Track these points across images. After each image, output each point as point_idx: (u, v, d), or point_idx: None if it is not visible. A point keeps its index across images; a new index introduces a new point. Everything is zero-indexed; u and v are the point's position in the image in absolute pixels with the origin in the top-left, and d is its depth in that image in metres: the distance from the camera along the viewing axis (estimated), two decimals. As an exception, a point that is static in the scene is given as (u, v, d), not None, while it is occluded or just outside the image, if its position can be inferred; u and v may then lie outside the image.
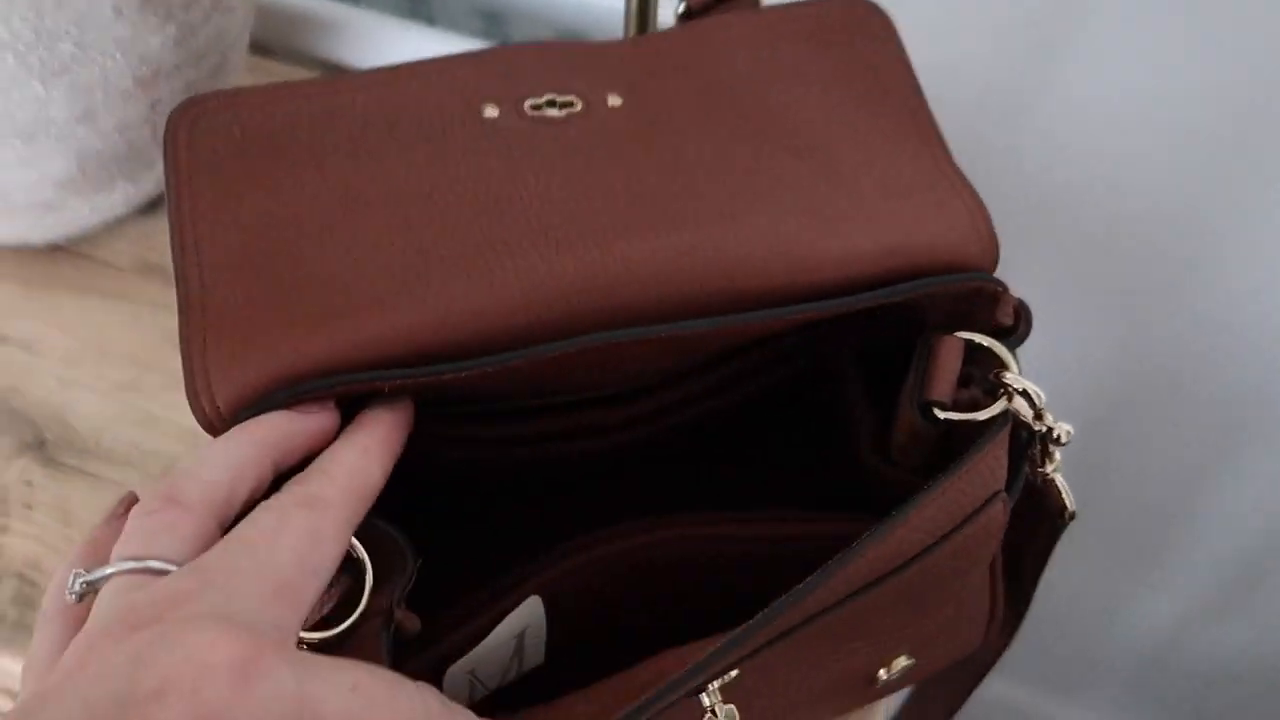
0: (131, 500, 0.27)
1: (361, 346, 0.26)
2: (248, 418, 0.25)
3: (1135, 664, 0.90)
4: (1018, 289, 0.30)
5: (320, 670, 0.22)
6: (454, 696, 0.25)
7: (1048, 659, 0.93)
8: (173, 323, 0.27)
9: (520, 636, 0.31)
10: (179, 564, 0.23)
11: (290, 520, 0.24)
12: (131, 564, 0.23)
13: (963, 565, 0.30)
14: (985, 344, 0.29)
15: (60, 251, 0.48)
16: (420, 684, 0.24)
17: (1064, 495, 0.32)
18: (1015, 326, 0.30)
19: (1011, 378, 0.29)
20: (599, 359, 0.28)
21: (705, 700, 0.27)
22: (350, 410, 0.27)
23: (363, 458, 0.26)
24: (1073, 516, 0.33)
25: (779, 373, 0.34)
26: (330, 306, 0.26)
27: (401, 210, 0.28)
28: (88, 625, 0.23)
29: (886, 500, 0.28)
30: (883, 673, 0.34)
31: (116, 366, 0.45)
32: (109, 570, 0.23)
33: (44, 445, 0.43)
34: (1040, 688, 0.96)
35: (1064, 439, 0.30)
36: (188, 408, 0.26)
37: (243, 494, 0.25)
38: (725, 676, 0.27)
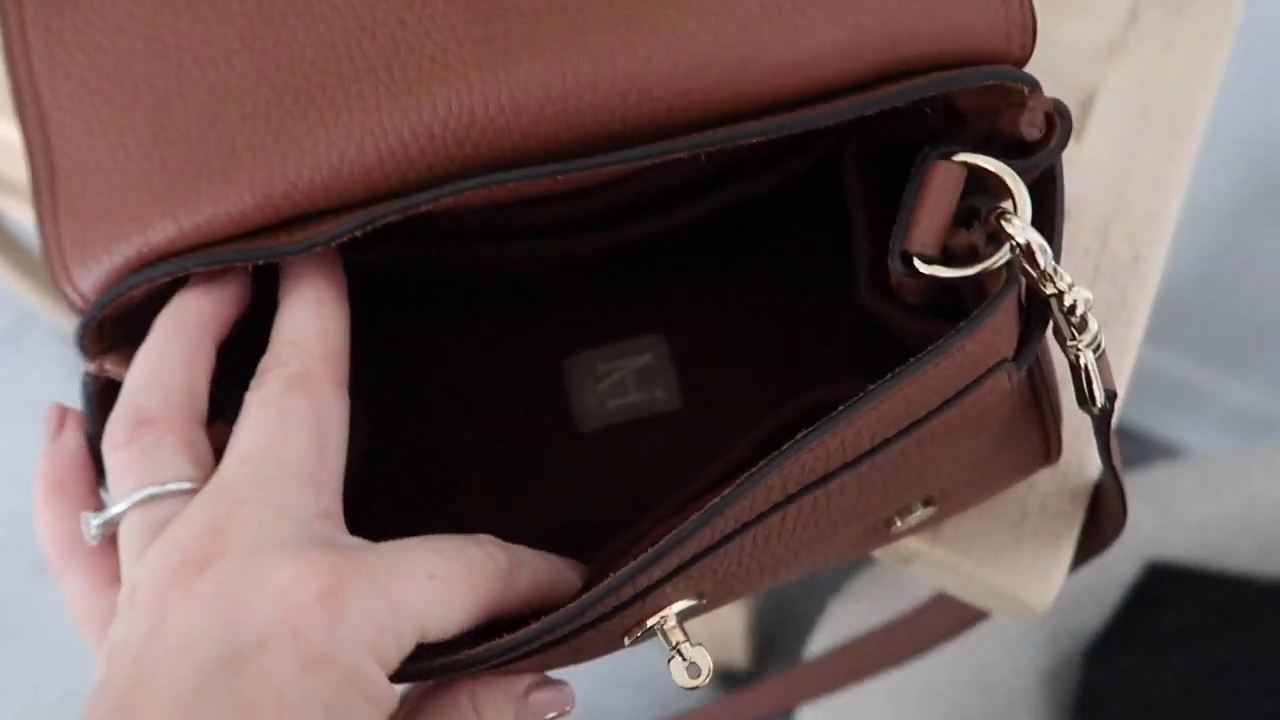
0: (62, 411, 0.25)
1: (217, 220, 0.23)
2: (110, 301, 0.23)
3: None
4: None
5: (395, 567, 0.21)
6: None
7: (1215, 330, 0.90)
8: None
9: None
10: (190, 481, 0.22)
11: (290, 409, 0.22)
12: (145, 492, 0.21)
13: (962, 433, 0.26)
14: (987, 167, 0.23)
15: None
16: (479, 537, 0.23)
17: (1093, 384, 0.25)
18: (1045, 141, 0.23)
19: (1014, 225, 0.22)
20: (497, 198, 0.24)
21: (668, 623, 0.24)
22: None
23: (320, 311, 0.24)
24: (1110, 402, 0.26)
25: (766, 179, 0.30)
26: (183, 178, 0.23)
27: (250, 46, 0.24)
28: (131, 573, 0.21)
29: (892, 337, 0.24)
30: (899, 521, 0.30)
31: None
32: (123, 506, 0.22)
33: None
34: (1201, 360, 0.94)
35: (1080, 308, 0.23)
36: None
37: (203, 386, 0.23)
38: (675, 605, 0.24)
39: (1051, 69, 0.41)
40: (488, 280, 0.33)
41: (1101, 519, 0.34)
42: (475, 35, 0.23)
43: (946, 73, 0.23)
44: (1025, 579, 0.34)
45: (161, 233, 0.24)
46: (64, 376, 1.13)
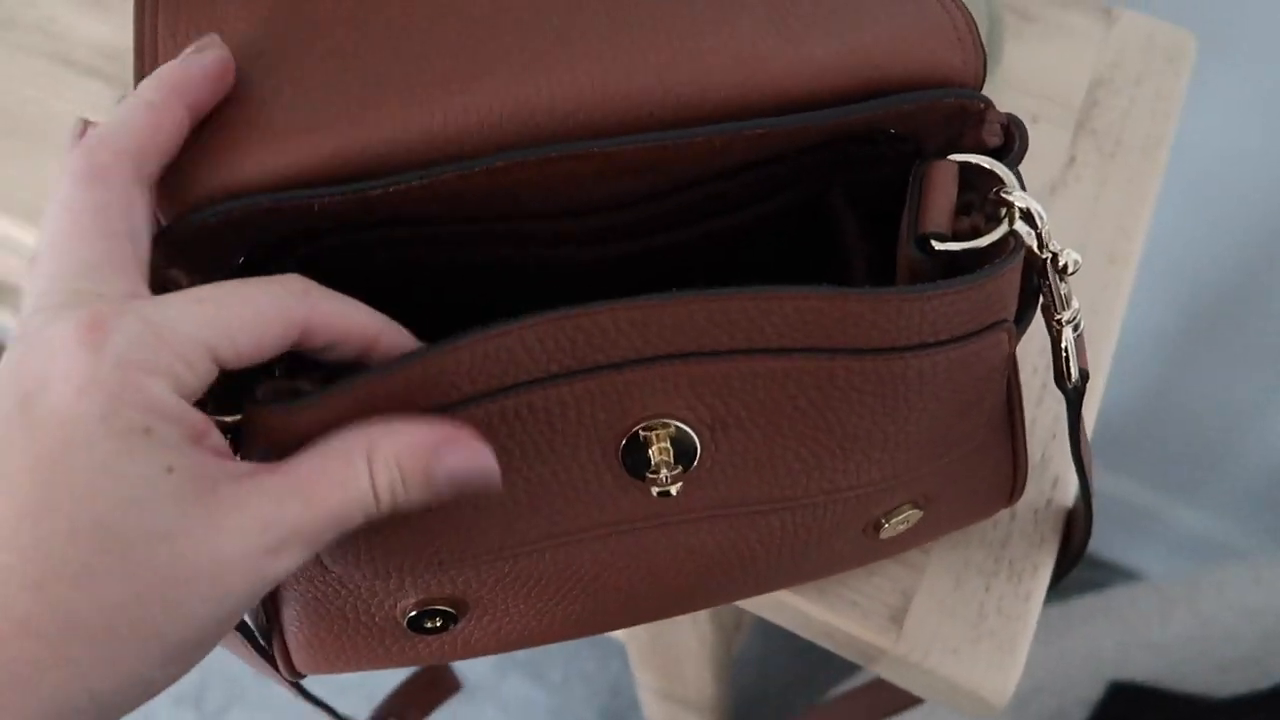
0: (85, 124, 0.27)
1: (291, 169, 0.26)
2: (181, 231, 0.26)
3: (1262, 473, 0.90)
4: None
5: (160, 300, 0.23)
6: None
7: (1167, 457, 0.93)
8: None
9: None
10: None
11: (75, 201, 0.25)
12: None
13: (955, 394, 0.29)
14: (979, 164, 0.27)
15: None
16: (279, 277, 0.25)
17: (1071, 360, 0.30)
18: (1008, 146, 0.28)
19: (1013, 195, 0.27)
20: (539, 179, 0.27)
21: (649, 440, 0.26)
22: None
23: (148, 111, 0.26)
24: (1083, 381, 0.30)
25: (763, 208, 0.33)
26: (273, 130, 0.27)
27: (348, 30, 0.28)
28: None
29: None
30: (886, 523, 0.32)
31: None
32: None
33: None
34: (1154, 486, 0.96)
35: (1071, 269, 0.27)
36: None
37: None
38: (663, 421, 0.26)
39: (999, 203, 0.45)
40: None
41: (1072, 535, 0.37)
42: (528, 35, 0.27)
43: (920, 92, 0.28)
44: (984, 676, 0.36)
45: (247, 171, 0.26)
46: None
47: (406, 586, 0.29)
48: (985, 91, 0.44)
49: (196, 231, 0.26)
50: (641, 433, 0.27)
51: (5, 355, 0.24)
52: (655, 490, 0.28)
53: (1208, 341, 0.81)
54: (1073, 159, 0.47)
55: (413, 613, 0.30)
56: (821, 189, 0.33)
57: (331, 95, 0.27)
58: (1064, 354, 0.30)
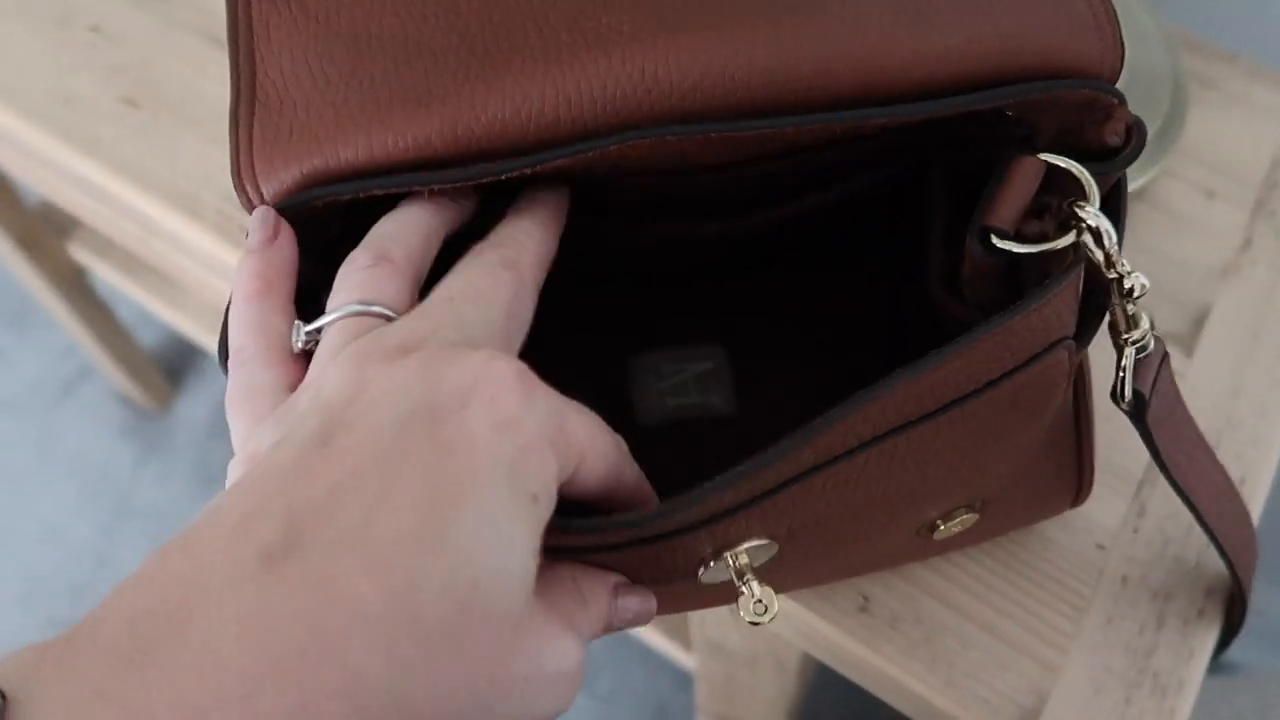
0: (276, 220, 0.26)
1: (401, 145, 0.26)
2: (296, 205, 0.26)
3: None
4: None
5: (562, 399, 0.23)
6: None
7: (1268, 542, 0.89)
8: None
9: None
10: (398, 312, 0.24)
11: (500, 278, 0.25)
12: (359, 307, 0.24)
13: (1018, 416, 0.28)
14: (1066, 167, 0.26)
15: None
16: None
17: (1124, 377, 0.28)
18: (1122, 148, 0.26)
19: (1085, 210, 0.25)
20: (654, 158, 0.26)
21: (730, 564, 0.26)
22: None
23: (542, 230, 0.27)
24: (1139, 402, 0.28)
25: (866, 179, 0.32)
26: (377, 105, 0.26)
27: (445, 8, 0.27)
28: (328, 360, 0.23)
29: (951, 338, 0.26)
30: (942, 525, 0.32)
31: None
32: (336, 314, 0.24)
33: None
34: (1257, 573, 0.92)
35: (1137, 291, 0.26)
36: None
37: (429, 260, 0.26)
38: (748, 542, 0.26)
39: (1165, 284, 0.43)
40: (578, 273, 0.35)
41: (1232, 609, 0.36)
42: (647, 10, 0.26)
43: (1052, 80, 0.26)
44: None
45: (349, 151, 0.26)
46: (110, 436, 1.14)
47: None
48: (1163, 160, 0.43)
49: (296, 216, 0.26)
50: (726, 554, 0.26)
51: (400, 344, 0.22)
52: (742, 604, 0.26)
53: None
54: (1248, 241, 0.44)
55: None
56: (924, 163, 0.32)
57: (441, 75, 0.26)
58: (1121, 373, 0.28)
